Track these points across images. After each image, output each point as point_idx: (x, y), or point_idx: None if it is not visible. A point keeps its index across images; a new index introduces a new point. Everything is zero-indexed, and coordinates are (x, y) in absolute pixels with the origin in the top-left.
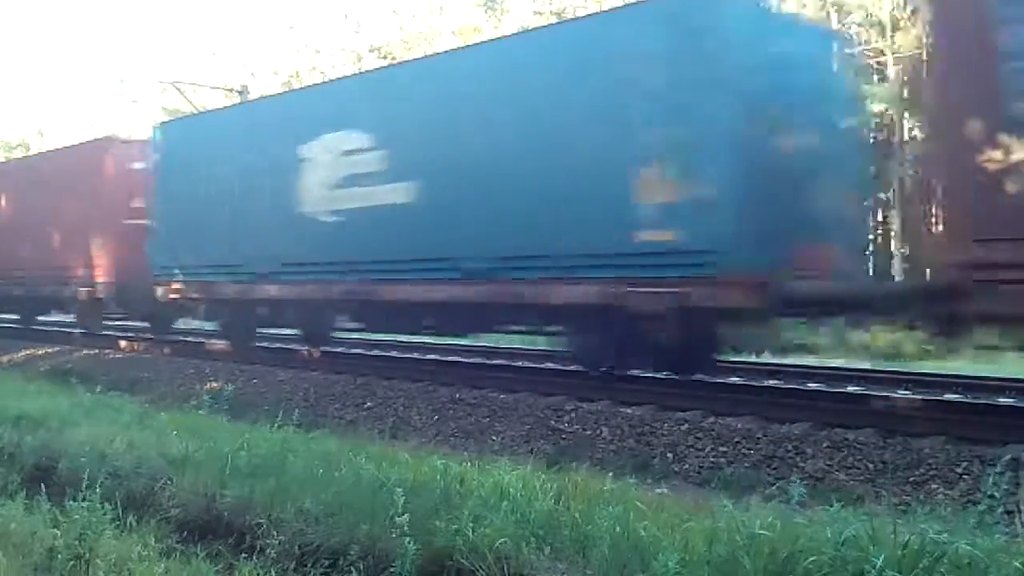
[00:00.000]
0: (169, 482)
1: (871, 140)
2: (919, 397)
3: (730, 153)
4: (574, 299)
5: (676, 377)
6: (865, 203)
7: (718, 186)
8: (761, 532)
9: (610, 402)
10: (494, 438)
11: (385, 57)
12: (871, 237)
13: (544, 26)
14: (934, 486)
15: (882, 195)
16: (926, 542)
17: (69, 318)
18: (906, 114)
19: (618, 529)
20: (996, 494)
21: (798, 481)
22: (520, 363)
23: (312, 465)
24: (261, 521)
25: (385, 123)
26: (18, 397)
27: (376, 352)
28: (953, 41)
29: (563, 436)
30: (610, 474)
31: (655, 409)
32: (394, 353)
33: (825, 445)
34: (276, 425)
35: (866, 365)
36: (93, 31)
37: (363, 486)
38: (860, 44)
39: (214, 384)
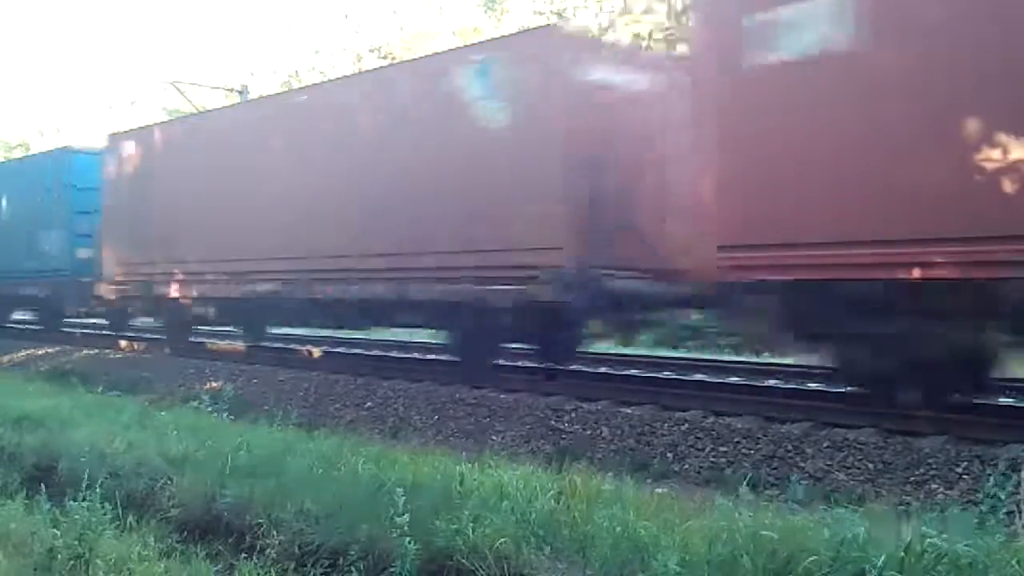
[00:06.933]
0: (169, 482)
1: None
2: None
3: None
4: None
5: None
6: None
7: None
8: (762, 532)
9: (610, 402)
10: (494, 438)
11: (385, 57)
12: None
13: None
14: (934, 486)
15: None
16: (926, 542)
17: None
18: None
19: (618, 529)
20: (1001, 495)
21: (797, 480)
22: (520, 363)
23: (312, 465)
24: (261, 521)
25: None
26: (18, 397)
27: (376, 352)
28: None
29: (563, 436)
30: (610, 474)
31: (655, 409)
32: (394, 353)
33: (825, 445)
34: (276, 425)
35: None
36: (93, 31)
37: (363, 486)
38: None
39: (214, 384)
